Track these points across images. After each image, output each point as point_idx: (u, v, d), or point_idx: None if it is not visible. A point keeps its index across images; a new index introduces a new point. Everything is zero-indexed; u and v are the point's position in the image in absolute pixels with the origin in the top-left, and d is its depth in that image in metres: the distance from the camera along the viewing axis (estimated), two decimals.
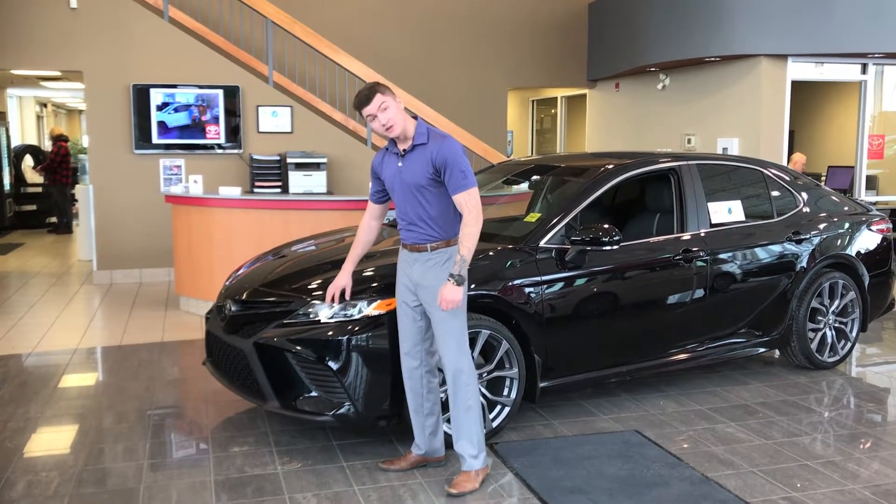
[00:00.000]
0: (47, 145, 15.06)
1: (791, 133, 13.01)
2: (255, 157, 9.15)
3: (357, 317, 4.06)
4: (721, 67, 9.16)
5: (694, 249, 5.02)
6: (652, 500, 3.70)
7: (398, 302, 3.94)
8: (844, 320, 5.82)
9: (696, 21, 8.86)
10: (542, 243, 4.55)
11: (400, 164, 3.79)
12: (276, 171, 9.18)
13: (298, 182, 9.06)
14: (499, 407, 4.38)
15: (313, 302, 4.16)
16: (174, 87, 9.07)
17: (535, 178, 5.70)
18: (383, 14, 11.10)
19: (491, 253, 4.46)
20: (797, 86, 12.45)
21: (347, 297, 4.04)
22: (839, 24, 8.31)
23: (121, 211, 9.04)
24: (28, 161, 14.95)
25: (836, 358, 5.80)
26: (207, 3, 9.78)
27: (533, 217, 4.88)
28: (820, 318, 5.69)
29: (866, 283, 5.90)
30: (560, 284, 4.53)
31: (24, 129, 16.66)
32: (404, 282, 3.89)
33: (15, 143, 15.49)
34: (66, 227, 13.61)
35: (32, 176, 14.70)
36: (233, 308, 4.48)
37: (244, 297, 4.48)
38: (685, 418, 4.78)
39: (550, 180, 5.69)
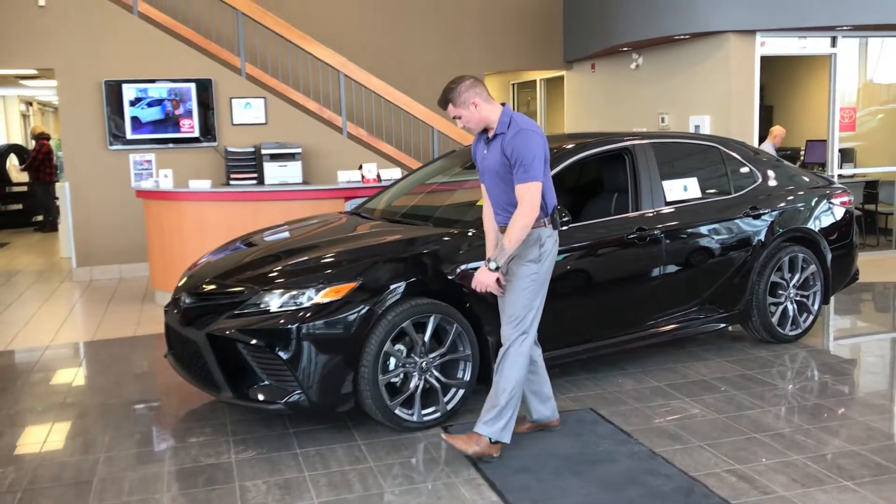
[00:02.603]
0: (32, 144, 15.05)
1: (769, 108, 13.05)
2: (229, 149, 9.17)
3: (306, 305, 4.10)
4: (690, 45, 9.15)
5: (647, 228, 5.05)
6: (597, 476, 3.75)
7: None
8: (806, 293, 5.85)
9: None
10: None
11: (485, 150, 3.99)
12: (252, 163, 9.20)
13: (274, 173, 9.07)
14: (453, 389, 4.43)
15: (263, 292, 4.21)
16: (146, 82, 9.09)
17: None
18: (356, 2, 11.06)
19: (445, 238, 4.52)
20: (775, 61, 12.43)
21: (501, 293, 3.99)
22: None
23: (97, 207, 9.08)
24: (13, 161, 14.96)
25: (799, 331, 5.84)
26: None
27: (481, 201, 4.90)
28: (781, 292, 5.73)
29: (827, 256, 5.93)
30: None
31: (9, 129, 16.67)
32: None
33: (5, 143, 15.53)
34: (51, 225, 13.64)
35: (18, 175, 14.72)
36: (187, 300, 4.53)
37: (198, 288, 4.53)
38: (641, 395, 4.83)
39: None
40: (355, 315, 4.09)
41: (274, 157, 9.09)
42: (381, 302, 4.15)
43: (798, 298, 5.82)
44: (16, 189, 14.69)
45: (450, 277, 4.37)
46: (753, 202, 5.60)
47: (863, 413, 4.44)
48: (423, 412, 4.34)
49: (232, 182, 9.06)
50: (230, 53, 9.61)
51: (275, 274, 4.37)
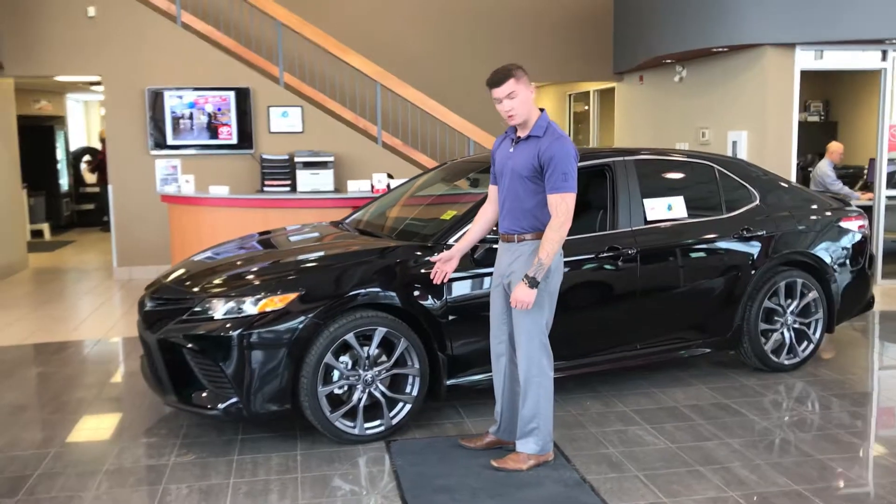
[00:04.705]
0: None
1: (833, 124, 12.48)
2: (264, 156, 9.36)
3: (246, 314, 4.14)
4: (729, 58, 8.84)
5: (621, 246, 4.89)
6: (515, 500, 3.66)
7: (492, 285, 4.11)
8: (806, 321, 5.56)
9: (702, 9, 8.58)
10: (451, 241, 4.54)
11: (512, 149, 3.94)
12: (286, 170, 9.36)
13: (306, 181, 9.20)
14: (400, 404, 4.40)
15: (209, 299, 4.28)
16: (187, 89, 9.39)
17: (472, 176, 5.67)
18: (402, 12, 11.16)
19: (396, 250, 4.51)
20: (840, 75, 11.88)
21: (445, 279, 4.19)
22: (852, 9, 7.89)
23: (137, 210, 9.43)
24: (88, 159, 15.71)
25: (796, 360, 5.55)
26: (219, 6, 10.07)
27: (448, 215, 4.87)
28: (777, 318, 5.46)
29: (832, 282, 5.62)
30: (468, 283, 4.51)
31: (91, 132, 17.45)
32: (497, 269, 4.06)
33: (82, 145, 16.33)
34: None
35: (91, 176, 15.44)
36: (147, 304, 4.65)
37: (155, 293, 4.64)
38: (602, 419, 4.69)
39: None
40: (294, 325, 4.11)
41: (307, 165, 9.21)
42: (322, 313, 4.16)
43: (797, 326, 5.54)
44: (89, 190, 15.41)
45: (399, 292, 4.34)
46: (747, 223, 5.36)
47: (824, 450, 4.19)
48: (368, 425, 4.33)
49: (266, 189, 9.26)
50: (269, 63, 9.82)
51: (223, 281, 4.44)
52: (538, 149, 3.77)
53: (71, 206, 15.01)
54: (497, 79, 3.79)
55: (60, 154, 14.51)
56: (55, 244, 12.84)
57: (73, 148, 15.63)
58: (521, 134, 3.88)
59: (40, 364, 6.01)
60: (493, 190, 4.16)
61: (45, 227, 13.52)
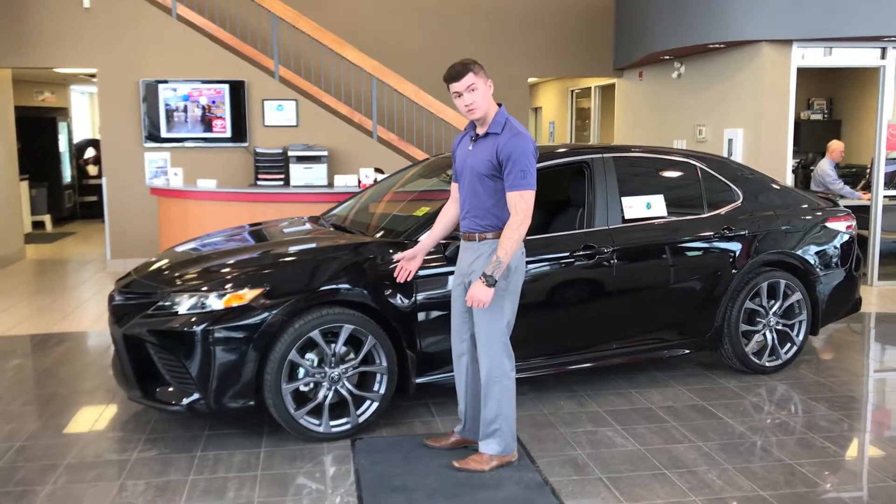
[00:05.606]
0: None
1: (837, 123, 12.33)
2: (258, 150, 9.33)
3: (209, 310, 4.10)
4: (726, 55, 8.73)
5: (596, 245, 4.82)
6: (472, 502, 3.60)
7: (453, 284, 4.06)
8: (790, 322, 5.48)
9: (698, 5, 8.48)
10: (422, 237, 4.48)
11: (471, 147, 3.86)
12: (279, 164, 9.33)
13: (300, 175, 9.18)
14: (368, 402, 4.35)
15: (173, 294, 4.24)
16: (182, 82, 9.37)
17: (451, 172, 5.59)
18: (401, 6, 11.11)
19: (363, 247, 4.46)
20: (845, 73, 11.74)
21: (409, 277, 4.19)
22: (849, 6, 7.77)
23: (131, 202, 9.42)
24: (92, 154, 15.74)
25: (778, 362, 5.46)
26: None
27: (421, 211, 4.81)
28: (759, 319, 5.38)
29: (817, 283, 5.53)
30: (437, 280, 4.45)
31: (96, 124, 17.50)
32: (458, 268, 4.00)
33: (85, 137, 16.37)
34: None
35: (94, 168, 15.47)
36: (116, 298, 4.62)
37: (124, 287, 4.61)
38: (574, 420, 4.62)
39: None
40: (257, 321, 4.07)
41: (300, 160, 9.19)
42: (286, 310, 4.11)
43: (779, 327, 5.45)
44: (92, 182, 15.44)
45: (366, 288, 4.29)
46: (729, 223, 5.27)
47: (797, 455, 4.11)
48: (334, 423, 4.28)
49: (259, 182, 9.23)
50: (264, 56, 9.79)
51: (190, 275, 4.40)
52: (496, 146, 3.70)
53: (74, 197, 15.05)
54: (455, 73, 3.73)
55: (63, 146, 14.54)
56: (55, 235, 12.89)
57: (76, 140, 15.67)
58: (480, 131, 3.81)
59: (20, 356, 6.01)
60: (455, 188, 4.10)
61: (47, 219, 13.57)
